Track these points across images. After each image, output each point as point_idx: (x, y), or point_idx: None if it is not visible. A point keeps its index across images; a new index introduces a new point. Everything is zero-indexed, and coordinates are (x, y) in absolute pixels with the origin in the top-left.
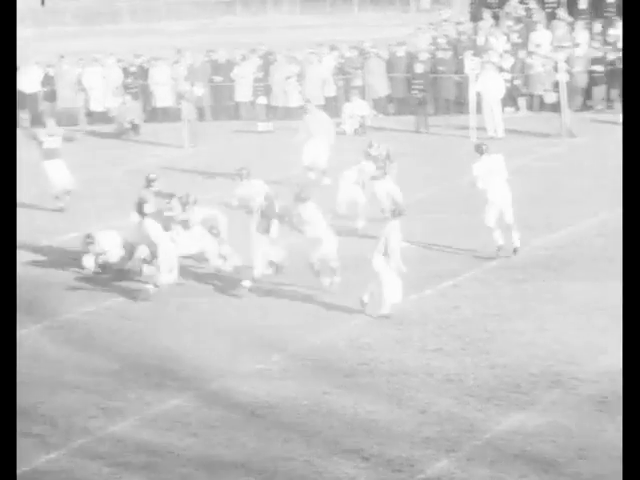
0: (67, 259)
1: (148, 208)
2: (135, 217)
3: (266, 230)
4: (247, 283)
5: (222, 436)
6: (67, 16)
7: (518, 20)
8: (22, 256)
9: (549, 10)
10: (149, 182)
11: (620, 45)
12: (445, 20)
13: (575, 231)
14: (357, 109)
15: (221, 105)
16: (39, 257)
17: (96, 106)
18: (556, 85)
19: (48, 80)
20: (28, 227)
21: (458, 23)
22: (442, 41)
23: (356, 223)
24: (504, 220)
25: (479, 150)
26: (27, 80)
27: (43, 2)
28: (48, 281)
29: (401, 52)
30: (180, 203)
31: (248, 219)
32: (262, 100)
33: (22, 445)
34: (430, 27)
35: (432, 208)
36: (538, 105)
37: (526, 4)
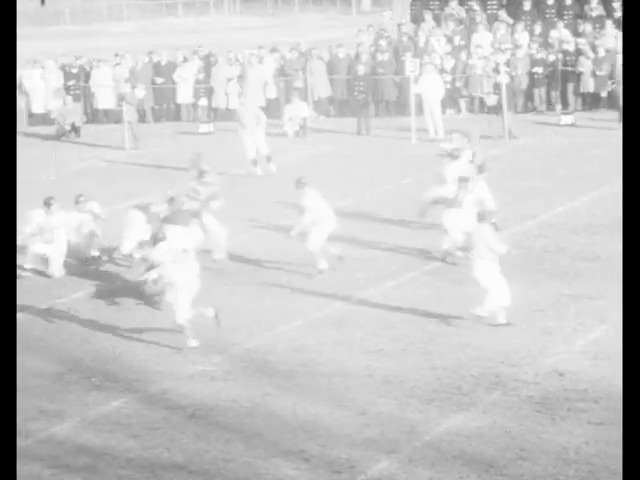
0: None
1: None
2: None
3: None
4: (323, 264)
5: (163, 438)
6: None
7: (459, 22)
8: None
9: (491, 12)
10: (202, 173)
11: (565, 47)
12: (382, 29)
13: (516, 232)
14: (298, 111)
15: (162, 107)
16: None
17: (37, 108)
18: (497, 87)
19: None
20: None
21: (399, 25)
22: (383, 42)
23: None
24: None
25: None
26: None
27: None
28: None
29: (342, 53)
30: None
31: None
32: (203, 102)
33: None
34: (371, 28)
35: (374, 210)
36: (479, 107)
37: (468, 6)
